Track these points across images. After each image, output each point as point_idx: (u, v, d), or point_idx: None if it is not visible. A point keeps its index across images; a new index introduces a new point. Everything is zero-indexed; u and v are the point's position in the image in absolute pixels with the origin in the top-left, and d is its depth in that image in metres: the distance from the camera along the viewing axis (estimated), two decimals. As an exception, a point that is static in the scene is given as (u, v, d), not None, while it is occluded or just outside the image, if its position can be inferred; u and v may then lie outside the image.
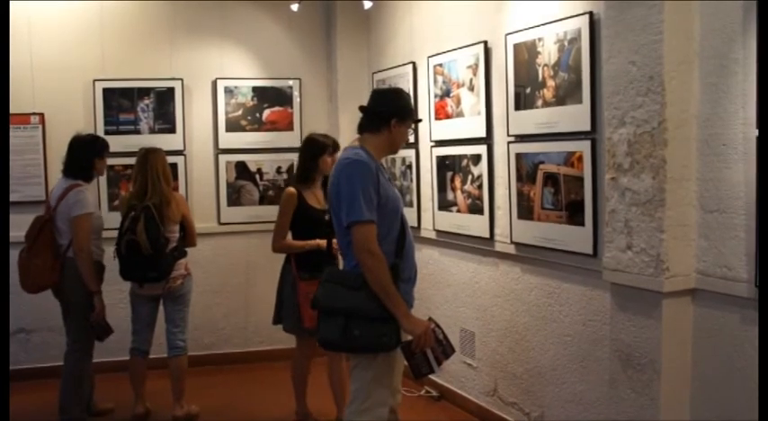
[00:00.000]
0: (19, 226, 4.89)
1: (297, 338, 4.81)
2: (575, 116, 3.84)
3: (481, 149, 4.72)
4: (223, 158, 6.41)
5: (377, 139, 3.38)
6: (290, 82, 6.53)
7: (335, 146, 4.69)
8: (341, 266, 3.63)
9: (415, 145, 5.56)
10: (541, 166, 4.13)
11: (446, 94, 5.12)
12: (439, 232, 5.33)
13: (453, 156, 5.07)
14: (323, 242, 4.53)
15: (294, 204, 4.57)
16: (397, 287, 3.19)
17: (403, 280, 3.28)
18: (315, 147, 4.65)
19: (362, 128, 3.43)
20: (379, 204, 3.20)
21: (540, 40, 4.09)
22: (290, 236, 4.68)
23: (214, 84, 6.37)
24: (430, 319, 3.36)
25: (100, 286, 4.73)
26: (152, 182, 4.80)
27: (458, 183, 5.02)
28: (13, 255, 4.70)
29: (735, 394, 2.91)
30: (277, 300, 4.77)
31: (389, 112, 3.38)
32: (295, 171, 4.67)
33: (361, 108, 3.49)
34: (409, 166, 5.68)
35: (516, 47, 4.29)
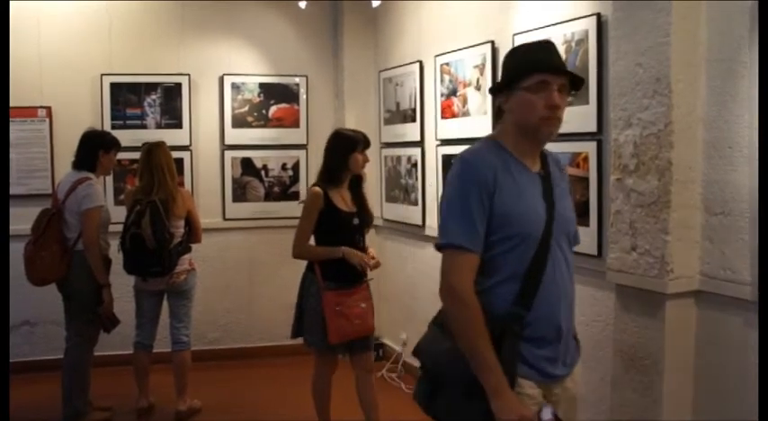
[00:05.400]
0: (24, 218, 4.91)
1: (316, 354, 4.30)
2: (581, 117, 3.84)
3: (487, 149, 4.72)
4: (229, 154, 6.43)
5: (504, 125, 2.46)
6: (297, 79, 6.54)
7: (367, 142, 4.30)
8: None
9: (421, 143, 5.57)
10: (547, 167, 4.13)
11: (453, 93, 5.13)
12: (443, 231, 5.33)
13: (459, 156, 5.07)
14: (349, 251, 4.13)
15: (319, 206, 4.12)
16: (511, 346, 2.26)
17: (528, 339, 2.29)
18: (344, 144, 4.24)
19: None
20: (491, 224, 2.29)
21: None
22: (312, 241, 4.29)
23: (221, 79, 6.39)
24: (546, 407, 2.25)
25: (108, 279, 4.76)
26: (157, 177, 4.82)
27: (463, 182, 5.02)
28: (19, 247, 4.71)
29: (737, 396, 2.92)
30: (297, 311, 4.34)
31: (495, 86, 2.49)
32: (320, 169, 4.27)
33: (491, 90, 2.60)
34: (414, 165, 5.69)
35: (523, 47, 4.29)
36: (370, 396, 4.30)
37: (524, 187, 2.34)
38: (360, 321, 4.14)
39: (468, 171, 2.31)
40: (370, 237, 4.75)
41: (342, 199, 4.21)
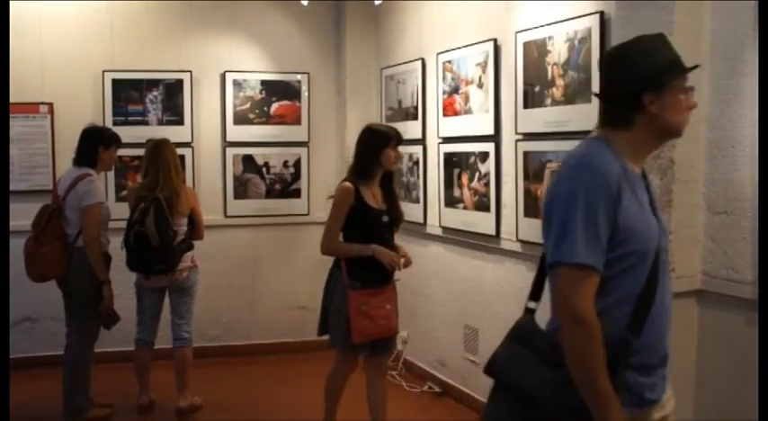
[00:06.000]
0: (26, 214, 4.89)
1: (338, 352, 4.19)
2: (583, 115, 3.84)
3: (489, 147, 4.72)
4: (230, 151, 6.42)
5: (628, 134, 2.14)
6: (299, 76, 6.53)
7: (399, 137, 4.16)
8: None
9: (423, 141, 5.56)
10: (549, 165, 4.14)
11: (455, 90, 5.12)
12: (445, 229, 5.34)
13: (461, 153, 5.07)
14: (380, 249, 4.01)
15: (350, 202, 4.00)
16: (621, 374, 2.03)
17: (634, 367, 2.08)
18: (376, 139, 4.09)
19: (603, 120, 2.20)
20: (612, 239, 2.03)
21: (550, 38, 4.09)
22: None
23: (223, 76, 6.38)
24: None
25: (108, 276, 4.76)
26: (164, 174, 4.81)
27: (465, 180, 5.03)
28: (19, 243, 4.71)
29: (738, 395, 2.92)
30: (323, 309, 4.20)
31: (635, 84, 2.11)
32: (351, 165, 4.17)
33: (600, 94, 2.24)
34: (416, 163, 5.68)
35: (526, 45, 4.29)
36: (382, 397, 4.25)
37: (640, 198, 2.11)
38: (384, 322, 4.05)
39: (593, 177, 2.01)
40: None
41: (372, 195, 4.09)
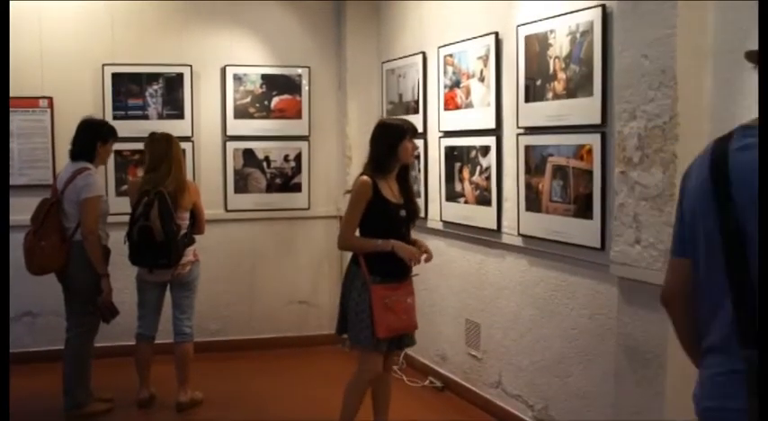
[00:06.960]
0: (26, 209, 4.88)
1: (362, 353, 4.02)
2: (585, 109, 3.83)
3: (490, 141, 4.70)
4: (231, 145, 6.40)
5: None
6: (300, 70, 6.51)
7: (414, 129, 4.10)
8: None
9: (424, 135, 5.54)
10: (550, 159, 4.12)
11: (456, 84, 5.10)
12: (446, 223, 5.33)
13: (462, 147, 5.06)
14: (400, 245, 3.93)
15: (368, 196, 3.92)
16: None
17: None
18: (392, 133, 4.01)
19: None
20: None
21: (551, 32, 4.07)
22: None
23: (223, 70, 6.36)
24: None
25: (107, 269, 4.75)
26: (173, 169, 4.80)
27: (466, 174, 5.02)
28: (19, 238, 4.69)
29: (740, 390, 2.91)
30: (341, 308, 4.10)
31: None
32: (367, 160, 4.07)
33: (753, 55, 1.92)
34: (417, 157, 5.66)
35: (528, 38, 4.27)
36: (388, 394, 4.23)
37: None
38: (406, 317, 4.00)
39: None
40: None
41: (390, 190, 4.02)
